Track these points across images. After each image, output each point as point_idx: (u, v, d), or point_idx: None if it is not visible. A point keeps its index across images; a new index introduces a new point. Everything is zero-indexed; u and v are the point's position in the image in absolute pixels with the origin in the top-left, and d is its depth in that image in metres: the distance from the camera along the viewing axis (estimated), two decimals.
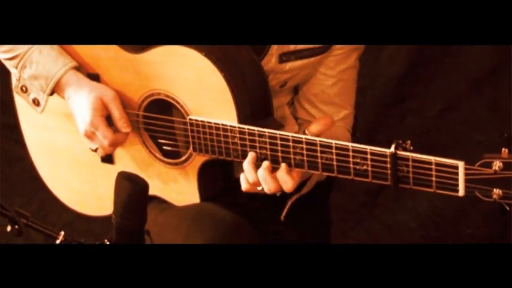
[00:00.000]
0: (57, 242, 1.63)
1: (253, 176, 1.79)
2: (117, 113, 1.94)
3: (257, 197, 1.98)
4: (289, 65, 1.99)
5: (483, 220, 2.86)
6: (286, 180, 1.76)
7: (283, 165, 1.76)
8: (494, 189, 1.54)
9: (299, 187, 1.91)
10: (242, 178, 1.81)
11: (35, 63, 1.98)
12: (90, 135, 1.96)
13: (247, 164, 1.80)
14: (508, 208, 1.54)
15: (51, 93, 2.00)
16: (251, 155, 1.80)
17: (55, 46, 2.00)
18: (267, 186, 1.77)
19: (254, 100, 1.88)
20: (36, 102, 2.02)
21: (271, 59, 1.97)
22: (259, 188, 1.80)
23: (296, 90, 2.12)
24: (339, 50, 2.02)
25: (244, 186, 1.81)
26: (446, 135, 2.97)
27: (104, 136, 1.93)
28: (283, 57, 1.98)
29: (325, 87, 2.06)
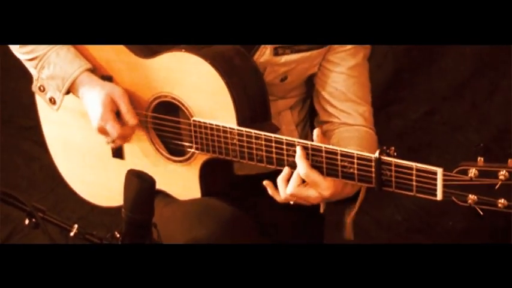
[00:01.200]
0: (71, 234, 1.63)
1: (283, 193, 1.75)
2: (124, 107, 1.94)
3: (254, 193, 1.99)
4: (284, 58, 1.94)
5: (462, 214, 2.84)
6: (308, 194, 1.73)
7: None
8: (470, 195, 1.54)
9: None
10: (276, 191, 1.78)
11: (53, 65, 1.98)
12: (102, 129, 1.96)
13: (280, 180, 1.76)
14: (481, 213, 1.54)
15: (67, 93, 2.00)
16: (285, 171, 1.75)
17: (71, 49, 2.00)
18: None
19: (253, 105, 1.87)
20: (52, 101, 2.02)
21: (265, 51, 1.93)
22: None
23: (302, 95, 2.08)
24: (341, 47, 1.95)
25: (278, 199, 1.79)
26: (429, 135, 2.95)
27: (112, 129, 1.93)
28: (279, 50, 1.93)
29: (337, 84, 1.97)
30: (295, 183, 1.73)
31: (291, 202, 1.78)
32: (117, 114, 1.96)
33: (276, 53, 1.93)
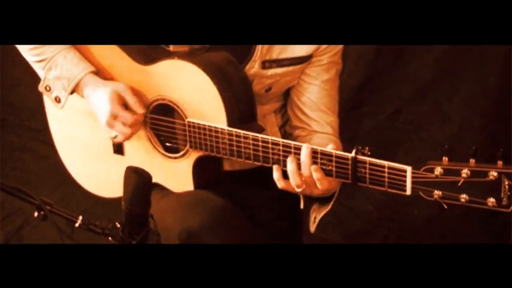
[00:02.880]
0: (76, 225, 1.60)
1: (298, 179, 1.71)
2: (131, 99, 1.90)
3: (241, 187, 2.01)
4: (271, 71, 1.95)
5: (426, 203, 2.85)
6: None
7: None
8: (435, 191, 1.54)
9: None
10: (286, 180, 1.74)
11: (60, 66, 1.95)
12: (111, 124, 1.91)
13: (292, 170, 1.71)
14: (445, 207, 1.53)
15: (72, 92, 1.97)
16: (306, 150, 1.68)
17: (77, 53, 1.97)
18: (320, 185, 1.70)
19: (241, 108, 1.86)
20: (57, 100, 1.98)
21: (254, 64, 1.93)
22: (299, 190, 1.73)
23: (284, 101, 2.07)
24: (318, 62, 1.97)
25: (281, 185, 1.75)
26: (396, 134, 2.94)
27: (125, 118, 1.89)
28: (266, 64, 1.94)
29: (311, 94, 1.99)
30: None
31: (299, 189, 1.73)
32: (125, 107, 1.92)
33: (263, 67, 1.94)
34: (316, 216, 1.87)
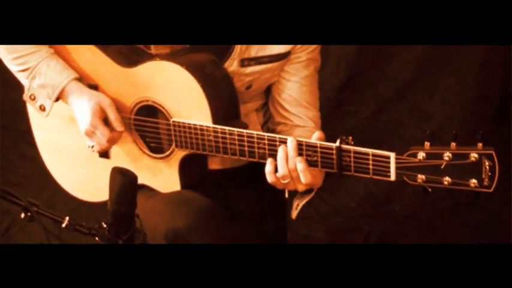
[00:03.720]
0: (63, 225, 1.59)
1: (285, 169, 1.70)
2: (112, 115, 1.91)
3: (226, 185, 2.02)
4: (249, 69, 1.95)
5: (407, 199, 2.88)
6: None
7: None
8: (419, 175, 1.55)
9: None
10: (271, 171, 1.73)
11: (43, 75, 1.94)
12: (89, 134, 1.93)
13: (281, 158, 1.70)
14: (429, 189, 1.54)
15: (57, 100, 1.96)
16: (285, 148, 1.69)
17: (60, 61, 1.96)
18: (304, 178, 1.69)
19: (225, 105, 1.86)
20: (42, 108, 1.97)
21: (233, 62, 1.93)
22: (285, 182, 1.72)
23: (265, 99, 2.08)
24: (296, 59, 1.98)
25: (271, 179, 1.74)
26: (378, 132, 2.97)
27: (102, 134, 1.90)
28: (245, 62, 1.94)
29: (291, 91, 2.00)
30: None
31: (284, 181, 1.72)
32: (105, 121, 1.93)
33: (242, 65, 1.94)
34: (298, 203, 1.87)
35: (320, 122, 2.05)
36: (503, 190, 1.50)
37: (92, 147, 1.98)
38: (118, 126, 1.91)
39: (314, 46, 1.98)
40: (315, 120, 2.02)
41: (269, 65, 1.96)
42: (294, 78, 1.99)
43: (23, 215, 1.59)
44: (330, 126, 2.99)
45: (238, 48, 1.92)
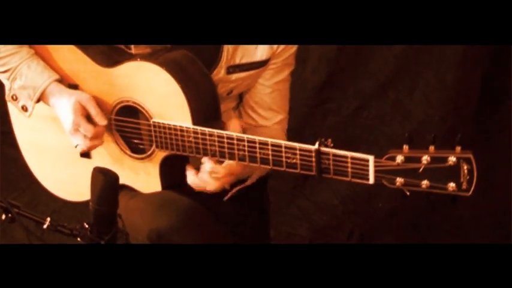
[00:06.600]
0: (44, 226, 1.59)
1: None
2: (93, 110, 1.91)
3: None
4: (235, 76, 1.98)
5: (388, 196, 2.89)
6: (208, 181, 1.82)
7: (206, 166, 1.80)
8: (398, 178, 1.55)
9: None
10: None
11: (24, 76, 1.93)
12: (74, 133, 1.92)
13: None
14: (407, 193, 1.54)
15: (38, 101, 1.95)
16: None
17: (41, 62, 1.95)
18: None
19: (205, 106, 1.86)
20: (24, 108, 1.97)
21: (220, 70, 1.95)
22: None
23: (240, 98, 2.10)
24: (273, 64, 2.01)
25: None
26: (360, 129, 2.98)
27: (86, 130, 1.90)
28: (230, 69, 1.97)
29: (263, 95, 2.05)
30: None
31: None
32: (87, 118, 1.92)
33: (228, 72, 1.97)
34: (232, 189, 1.97)
35: (286, 125, 2.10)
36: (503, 190, 1.49)
37: (77, 146, 1.96)
38: (100, 120, 1.91)
39: (291, 51, 2.01)
40: (281, 123, 2.08)
41: (252, 72, 1.99)
42: (268, 83, 2.03)
43: (4, 217, 1.59)
44: (311, 125, 3.03)
45: (225, 56, 1.94)
